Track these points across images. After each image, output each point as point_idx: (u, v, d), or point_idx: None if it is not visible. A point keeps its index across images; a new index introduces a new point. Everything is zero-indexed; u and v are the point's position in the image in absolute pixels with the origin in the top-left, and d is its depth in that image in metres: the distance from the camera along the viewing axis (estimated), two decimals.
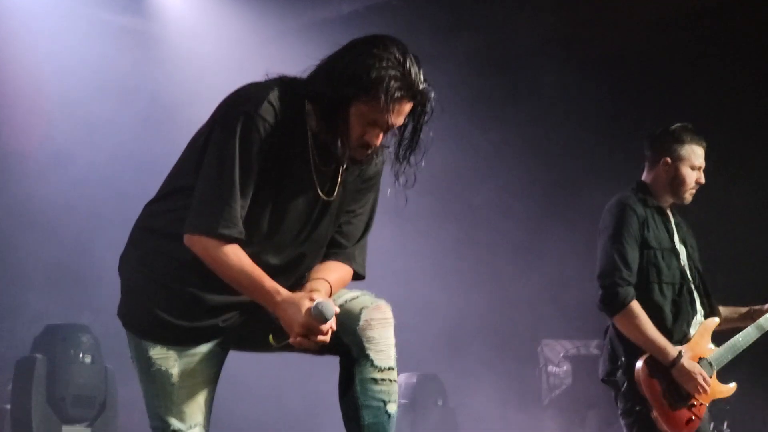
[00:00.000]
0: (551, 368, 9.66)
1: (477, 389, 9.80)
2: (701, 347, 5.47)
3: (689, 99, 8.66)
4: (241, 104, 3.41)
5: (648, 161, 5.69)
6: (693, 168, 5.56)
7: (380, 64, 3.35)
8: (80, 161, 9.37)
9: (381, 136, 3.45)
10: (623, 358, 5.40)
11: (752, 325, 5.59)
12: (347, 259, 3.65)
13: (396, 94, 3.36)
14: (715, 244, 7.03)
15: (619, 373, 5.42)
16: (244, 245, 3.41)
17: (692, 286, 5.56)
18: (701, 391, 5.32)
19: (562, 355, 9.49)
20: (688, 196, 5.62)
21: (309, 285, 3.53)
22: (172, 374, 3.55)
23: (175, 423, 3.57)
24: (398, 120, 3.43)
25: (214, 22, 9.56)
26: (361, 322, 3.43)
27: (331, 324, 3.35)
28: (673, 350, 5.30)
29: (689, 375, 5.29)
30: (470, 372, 9.86)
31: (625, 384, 5.37)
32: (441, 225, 9.87)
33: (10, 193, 9.35)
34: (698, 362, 5.38)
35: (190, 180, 3.45)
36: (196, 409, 3.61)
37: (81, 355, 8.08)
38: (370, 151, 3.49)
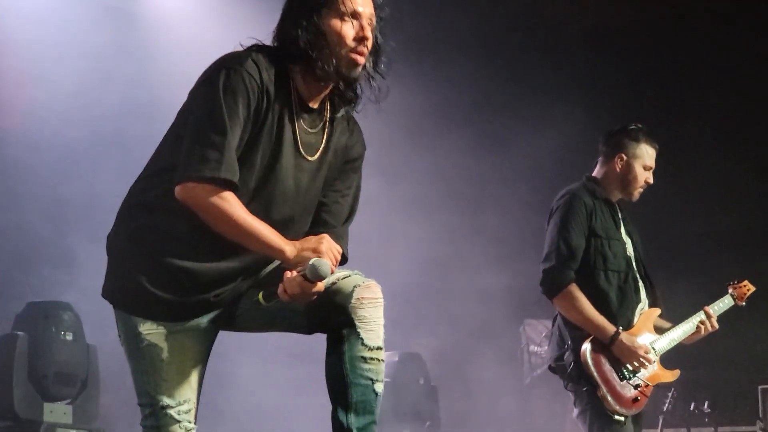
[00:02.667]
0: (533, 348, 9.72)
1: (459, 368, 9.84)
2: (643, 334, 5.62)
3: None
4: (223, 63, 3.48)
5: (602, 156, 5.88)
6: (645, 168, 5.77)
7: None
8: (62, 139, 9.33)
9: (365, 27, 3.54)
10: (569, 341, 5.55)
11: (686, 321, 5.79)
12: (337, 238, 3.65)
13: None
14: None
15: (567, 354, 5.55)
16: None
17: (637, 275, 5.75)
18: (643, 363, 5.46)
19: (543, 334, 9.54)
20: (636, 194, 5.81)
21: (315, 235, 3.57)
22: (162, 350, 3.55)
23: (164, 399, 3.57)
24: (364, 4, 3.55)
25: (199, 3, 9.52)
26: (353, 301, 3.44)
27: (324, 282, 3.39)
28: (611, 328, 5.47)
29: (629, 350, 5.45)
30: (452, 351, 9.90)
31: (572, 365, 5.50)
32: (424, 210, 9.88)
33: None
34: None
35: (177, 157, 3.44)
36: (185, 385, 3.60)
37: (63, 332, 8.06)
38: (363, 48, 3.53)
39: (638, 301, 5.68)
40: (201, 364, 3.68)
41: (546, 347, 9.41)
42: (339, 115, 3.67)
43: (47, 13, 9.35)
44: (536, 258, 9.05)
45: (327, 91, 3.62)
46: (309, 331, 3.59)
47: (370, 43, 3.57)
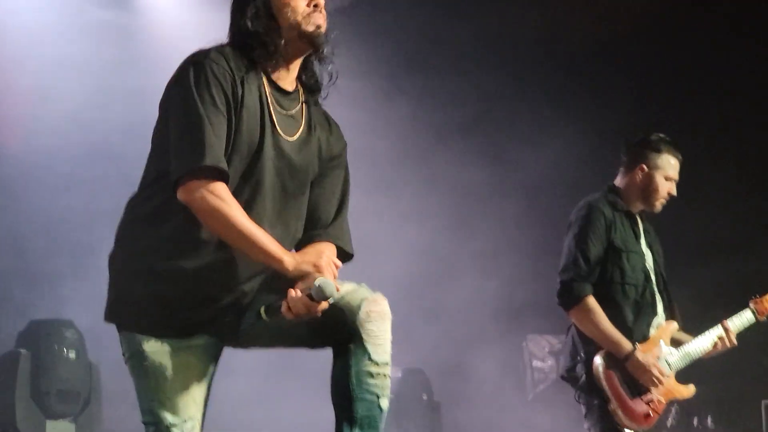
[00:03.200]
0: (536, 363, 9.70)
1: (462, 384, 9.82)
2: (659, 348, 5.55)
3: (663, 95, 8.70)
4: (189, 60, 3.55)
5: (623, 166, 5.81)
6: (667, 179, 5.70)
7: None
8: (63, 157, 9.33)
9: None
10: (582, 354, 5.50)
11: (702, 335, 5.71)
12: (333, 239, 3.70)
13: None
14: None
15: (579, 367, 5.51)
16: None
17: (655, 289, 5.68)
18: (656, 382, 5.41)
19: (547, 350, 9.52)
20: (659, 205, 5.74)
21: (314, 248, 3.60)
22: (166, 368, 3.53)
23: (168, 417, 3.55)
24: None
25: (199, 18, 9.53)
26: (361, 314, 3.42)
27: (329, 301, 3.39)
28: (627, 344, 5.40)
29: (643, 367, 5.38)
30: (456, 367, 9.88)
31: (583, 377, 5.47)
32: (421, 222, 9.87)
33: None
34: None
35: (164, 164, 3.46)
36: (190, 402, 3.58)
37: (65, 350, 8.05)
38: (318, 11, 3.63)
39: (654, 315, 5.61)
40: (206, 382, 3.66)
41: (549, 362, 9.41)
42: (314, 101, 3.77)
43: (47, 30, 9.34)
44: (537, 272, 9.04)
45: (296, 71, 3.71)
46: (315, 346, 3.59)
47: (322, 5, 3.67)
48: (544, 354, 9.67)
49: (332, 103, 3.85)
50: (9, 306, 9.12)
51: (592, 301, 5.42)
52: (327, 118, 3.83)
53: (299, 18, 3.61)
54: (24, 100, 9.35)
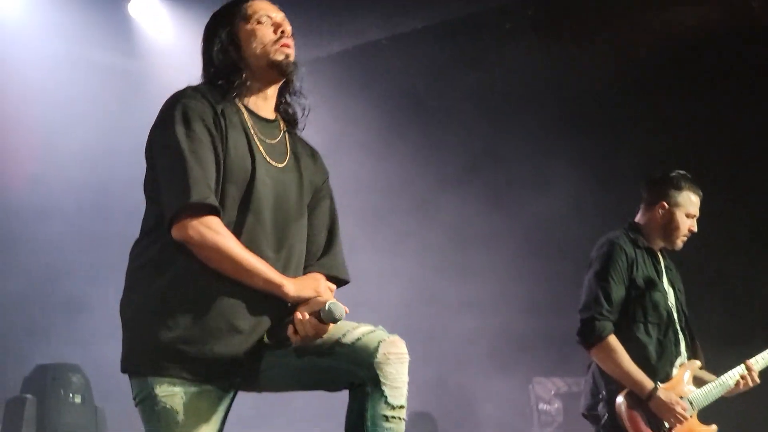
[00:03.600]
0: (542, 406, 9.64)
1: (469, 427, 9.78)
2: (681, 387, 5.51)
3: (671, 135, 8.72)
4: (166, 104, 3.58)
5: (644, 203, 5.77)
6: (688, 216, 5.66)
7: (226, 9, 3.80)
8: (70, 199, 9.37)
9: (281, 23, 3.74)
10: (604, 392, 5.46)
11: (726, 374, 5.65)
12: (326, 269, 3.73)
13: None
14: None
15: (600, 405, 5.47)
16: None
17: (678, 327, 5.62)
18: (680, 421, 5.35)
19: (553, 392, 9.47)
20: (680, 243, 5.70)
21: (311, 276, 3.65)
22: (177, 413, 3.49)
23: None
24: (270, 9, 3.78)
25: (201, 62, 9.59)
26: (378, 356, 3.38)
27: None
28: (649, 383, 5.35)
29: (666, 406, 5.33)
30: (462, 409, 9.84)
31: (606, 417, 5.42)
32: (430, 260, 9.88)
33: None
34: None
35: (159, 209, 3.48)
36: None
37: (71, 394, 8.06)
38: (285, 39, 3.71)
39: (678, 354, 5.56)
40: (217, 428, 3.61)
41: (556, 405, 9.37)
42: (299, 129, 3.84)
43: (54, 78, 9.42)
44: (543, 313, 9.03)
45: (274, 99, 3.78)
46: (332, 389, 3.55)
47: (289, 33, 3.74)
48: (550, 397, 9.62)
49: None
50: (14, 351, 9.13)
51: (613, 339, 5.37)
52: (310, 148, 3.88)
53: (267, 48, 3.68)
54: (30, 143, 9.40)
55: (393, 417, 3.42)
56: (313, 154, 3.88)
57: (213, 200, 3.41)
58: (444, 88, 9.90)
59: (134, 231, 3.68)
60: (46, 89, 9.34)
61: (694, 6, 8.59)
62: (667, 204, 5.64)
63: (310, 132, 3.86)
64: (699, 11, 8.56)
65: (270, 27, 3.73)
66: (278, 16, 3.77)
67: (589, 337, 5.41)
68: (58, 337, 9.20)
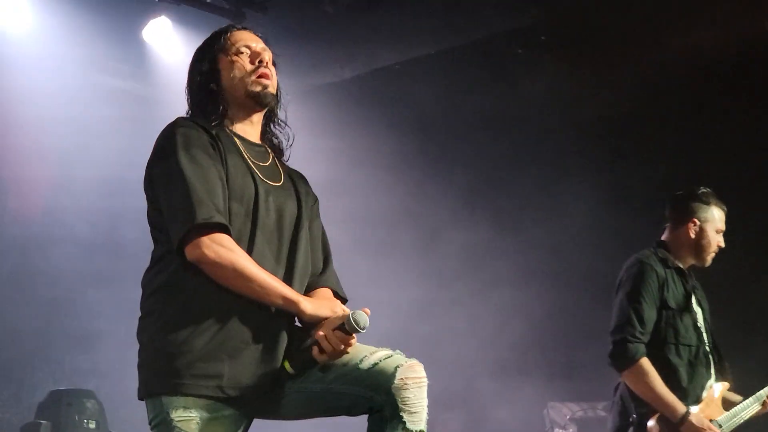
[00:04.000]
0: (557, 431, 9.61)
1: None
2: (711, 409, 5.45)
3: (691, 156, 8.70)
4: (161, 136, 3.62)
5: (671, 222, 5.73)
6: (717, 231, 5.63)
7: (207, 42, 3.89)
8: (84, 225, 9.40)
9: (260, 53, 3.81)
10: (635, 415, 5.39)
11: (752, 397, 5.62)
12: (330, 285, 3.79)
13: (227, 25, 3.94)
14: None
15: (630, 430, 5.40)
16: None
17: (707, 349, 5.57)
18: None
19: (568, 417, 9.43)
20: (709, 259, 5.67)
21: (322, 294, 3.71)
22: None
23: None
24: (250, 38, 3.86)
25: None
26: (396, 381, 3.38)
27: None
28: (681, 407, 5.29)
29: (698, 430, 5.27)
30: None
31: None
32: (441, 285, 9.88)
33: (12, 260, 9.37)
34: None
35: (167, 238, 3.51)
36: None
37: (85, 420, 8.04)
38: (264, 69, 3.78)
39: (708, 376, 5.50)
40: None
41: (570, 430, 9.34)
42: (284, 159, 3.91)
43: (70, 107, 9.47)
44: (559, 338, 9.00)
45: (260, 124, 3.85)
46: (351, 414, 3.54)
47: (269, 63, 3.81)
48: (565, 422, 9.59)
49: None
50: (29, 377, 9.15)
51: (646, 362, 5.31)
52: (298, 172, 3.95)
53: (245, 78, 3.76)
54: (44, 168, 9.45)
55: None
56: (303, 178, 3.95)
57: (219, 218, 3.43)
58: (457, 111, 9.92)
59: (148, 259, 3.69)
60: (61, 118, 9.38)
61: (709, 30, 8.59)
62: (698, 221, 5.61)
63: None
64: (715, 35, 8.56)
65: (248, 58, 3.80)
66: (257, 45, 3.84)
67: (622, 359, 5.35)
68: (71, 365, 9.22)
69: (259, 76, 3.77)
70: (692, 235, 5.62)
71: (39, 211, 9.53)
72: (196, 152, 3.51)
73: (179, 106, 3.84)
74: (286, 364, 3.50)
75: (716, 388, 5.53)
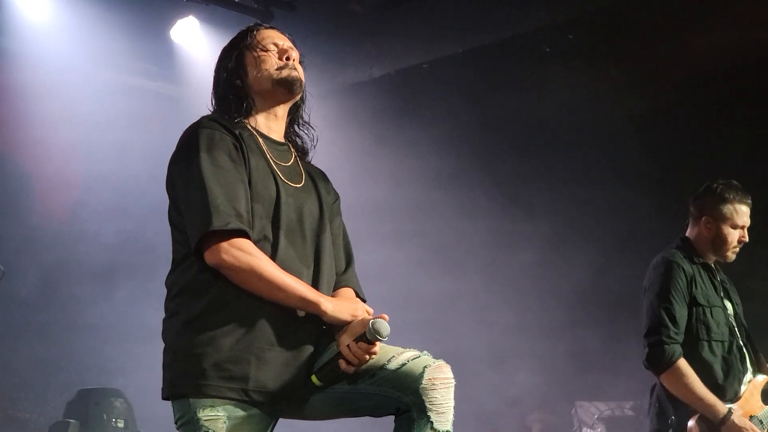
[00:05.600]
0: (585, 430, 9.59)
1: None
2: (751, 405, 5.39)
3: (723, 155, 8.64)
4: (184, 136, 3.64)
5: (691, 218, 5.67)
6: (735, 227, 5.53)
7: (234, 40, 3.91)
8: (111, 223, 9.44)
9: (287, 49, 3.82)
10: (673, 417, 5.33)
11: None
12: (353, 286, 3.80)
13: (254, 23, 3.95)
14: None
15: (670, 431, 5.34)
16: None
17: (741, 343, 5.49)
18: None
19: (596, 416, 9.41)
20: (731, 255, 5.59)
21: (344, 294, 3.72)
22: None
23: None
24: (277, 37, 3.86)
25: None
26: (424, 382, 3.38)
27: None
28: (722, 407, 5.24)
29: (739, 429, 5.21)
30: None
31: None
32: (474, 286, 9.86)
33: (39, 259, 9.41)
34: (749, 419, 5.31)
35: (188, 239, 3.52)
36: None
37: (114, 419, 8.07)
38: (291, 61, 3.80)
39: (744, 371, 5.42)
40: None
41: (599, 429, 9.31)
42: (307, 159, 3.91)
43: (100, 106, 9.51)
44: (583, 337, 8.96)
45: (284, 123, 3.86)
46: (378, 414, 3.54)
47: (296, 61, 3.81)
48: (593, 421, 9.56)
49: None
50: (57, 377, 9.18)
51: (684, 364, 5.25)
52: (320, 171, 3.96)
53: (272, 70, 3.77)
54: (74, 169, 9.49)
55: None
56: (324, 176, 3.94)
57: (236, 224, 3.42)
58: (483, 111, 9.90)
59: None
60: (91, 118, 9.41)
61: (736, 30, 8.53)
62: (712, 218, 5.54)
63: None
64: (741, 35, 8.50)
65: (275, 54, 3.80)
66: (285, 43, 3.85)
67: (659, 362, 5.29)
68: (97, 364, 9.24)
69: (287, 66, 3.77)
70: (707, 233, 5.55)
71: (67, 208, 9.56)
72: (219, 154, 3.51)
73: (207, 106, 3.85)
74: (314, 378, 3.50)
75: (756, 383, 5.45)
